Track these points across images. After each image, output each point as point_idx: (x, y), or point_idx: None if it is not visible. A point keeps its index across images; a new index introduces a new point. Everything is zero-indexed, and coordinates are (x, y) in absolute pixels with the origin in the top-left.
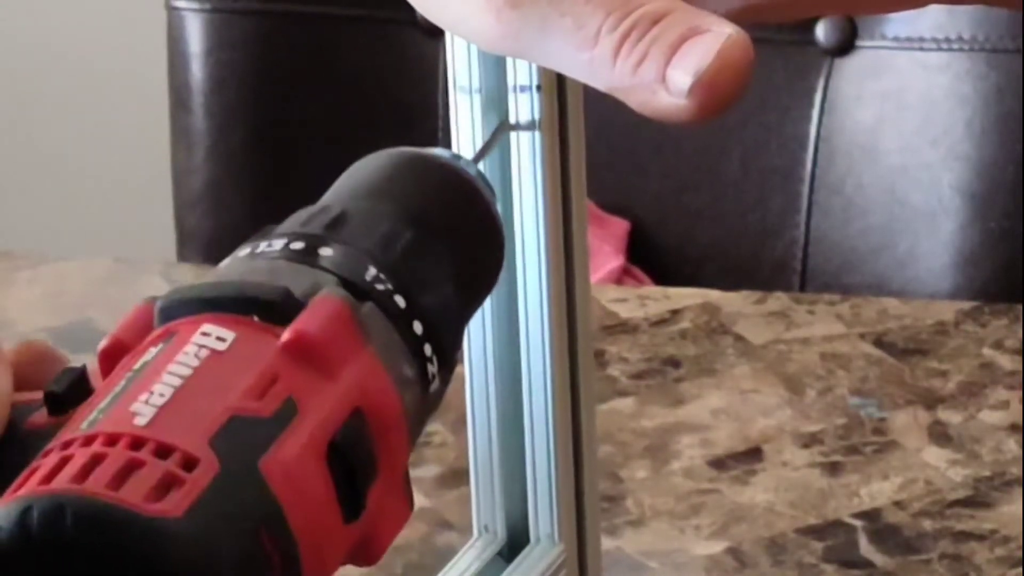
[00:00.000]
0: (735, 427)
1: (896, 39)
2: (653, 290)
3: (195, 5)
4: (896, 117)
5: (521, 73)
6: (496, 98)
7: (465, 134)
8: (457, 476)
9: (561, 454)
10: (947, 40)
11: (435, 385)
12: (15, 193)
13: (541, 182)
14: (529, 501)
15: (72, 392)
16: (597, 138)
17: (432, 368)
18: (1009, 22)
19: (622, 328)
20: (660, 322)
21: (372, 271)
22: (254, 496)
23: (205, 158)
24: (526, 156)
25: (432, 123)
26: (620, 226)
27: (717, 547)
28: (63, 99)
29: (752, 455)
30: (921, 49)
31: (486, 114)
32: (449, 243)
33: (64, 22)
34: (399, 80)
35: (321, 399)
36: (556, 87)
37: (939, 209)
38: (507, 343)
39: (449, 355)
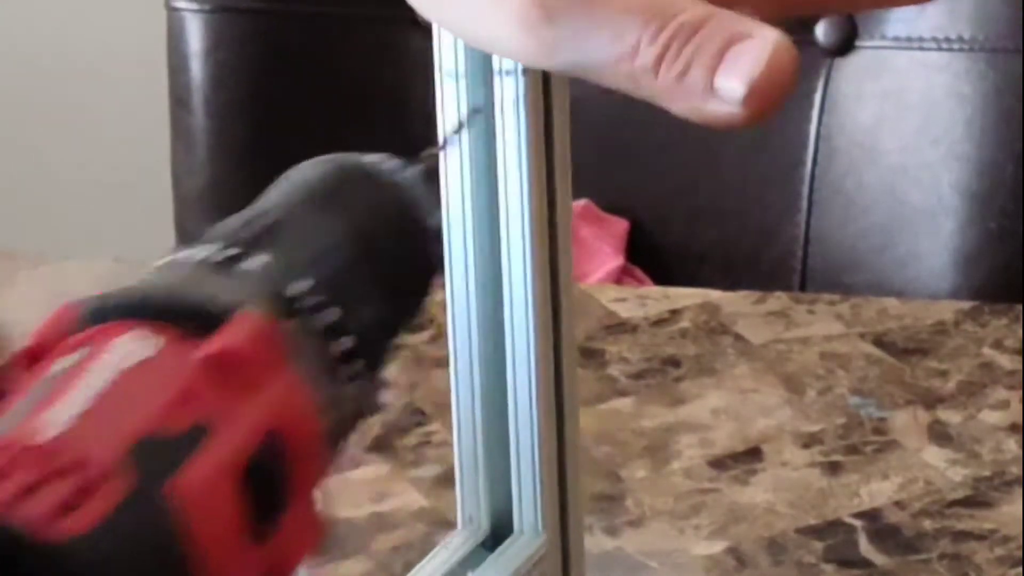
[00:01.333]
0: (735, 427)
1: (896, 39)
2: (653, 290)
3: (195, 5)
4: (896, 117)
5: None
6: (482, 83)
7: (450, 120)
8: None
9: (545, 445)
10: (947, 40)
11: (362, 402)
12: (15, 193)
13: (526, 168)
14: (513, 492)
15: None
16: (597, 138)
17: (356, 386)
18: (1009, 22)
19: (622, 328)
20: (660, 322)
21: (301, 284)
22: (160, 518)
23: (205, 158)
24: (511, 140)
25: (432, 123)
26: (620, 226)
27: (717, 547)
28: (63, 99)
29: (752, 455)
30: (921, 49)
31: (471, 100)
32: (380, 259)
33: (64, 22)
34: (399, 80)
35: (236, 419)
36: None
37: (939, 209)
38: (491, 333)
39: (377, 373)
